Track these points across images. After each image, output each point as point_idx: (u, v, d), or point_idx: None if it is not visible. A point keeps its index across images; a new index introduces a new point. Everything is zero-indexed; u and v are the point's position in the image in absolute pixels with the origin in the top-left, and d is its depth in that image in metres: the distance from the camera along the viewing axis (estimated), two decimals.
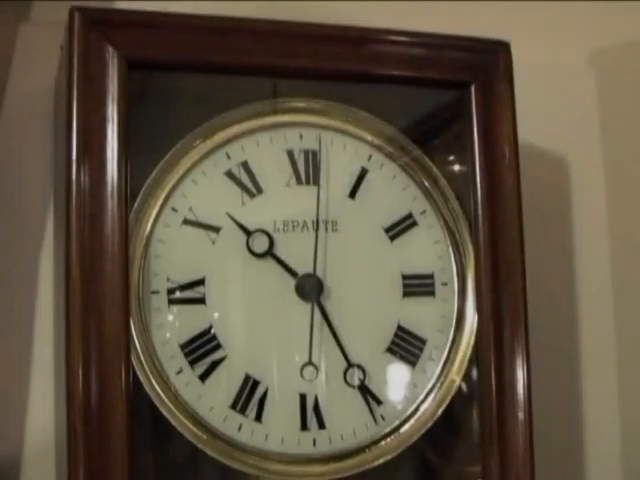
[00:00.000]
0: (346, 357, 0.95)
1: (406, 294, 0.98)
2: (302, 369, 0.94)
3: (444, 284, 0.99)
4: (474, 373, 0.98)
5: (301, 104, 0.99)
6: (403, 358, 0.97)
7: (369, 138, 1.00)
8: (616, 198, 1.26)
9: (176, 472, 0.98)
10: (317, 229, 0.96)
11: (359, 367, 0.96)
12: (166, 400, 0.91)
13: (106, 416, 0.83)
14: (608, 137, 1.27)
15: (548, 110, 1.23)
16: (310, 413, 0.94)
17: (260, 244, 0.95)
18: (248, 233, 0.94)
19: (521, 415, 0.95)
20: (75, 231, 0.84)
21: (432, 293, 0.99)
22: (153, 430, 0.95)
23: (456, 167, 1.05)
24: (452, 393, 0.98)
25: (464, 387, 0.99)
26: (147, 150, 0.93)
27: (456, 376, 0.98)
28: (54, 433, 1.01)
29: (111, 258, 0.85)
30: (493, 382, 0.95)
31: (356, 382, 0.95)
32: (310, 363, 0.94)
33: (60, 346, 0.90)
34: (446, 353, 0.98)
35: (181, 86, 0.98)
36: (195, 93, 1.00)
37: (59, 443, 0.98)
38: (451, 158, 1.06)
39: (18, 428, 1.01)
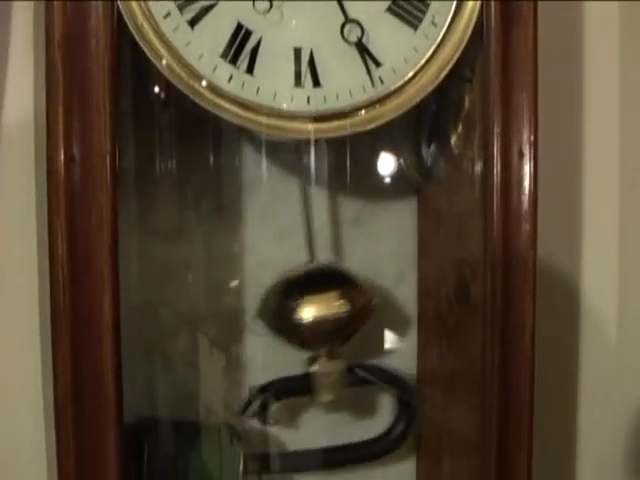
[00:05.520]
0: (343, 10, 0.90)
1: None
2: None
3: None
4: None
5: None
6: (404, 20, 0.92)
7: None
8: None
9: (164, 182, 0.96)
10: None
11: (357, 23, 0.91)
12: (155, 42, 0.87)
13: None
14: None
15: None
16: (305, 68, 0.90)
17: None
18: None
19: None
20: None
21: None
22: (138, 75, 0.91)
23: None
24: (453, 62, 0.93)
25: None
26: None
27: (458, 43, 0.93)
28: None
29: None
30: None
31: (354, 38, 0.91)
32: None
33: None
34: (449, 19, 0.93)
35: None
36: None
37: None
38: None
39: None
